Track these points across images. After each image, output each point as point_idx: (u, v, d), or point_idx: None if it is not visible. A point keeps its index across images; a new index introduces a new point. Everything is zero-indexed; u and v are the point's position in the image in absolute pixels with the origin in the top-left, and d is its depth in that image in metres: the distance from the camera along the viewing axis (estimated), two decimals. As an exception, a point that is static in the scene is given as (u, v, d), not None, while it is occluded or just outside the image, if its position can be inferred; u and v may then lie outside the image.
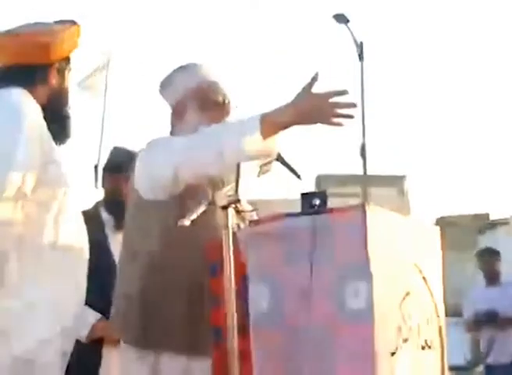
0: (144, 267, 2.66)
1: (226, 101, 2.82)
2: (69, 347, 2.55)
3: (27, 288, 2.43)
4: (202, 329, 2.58)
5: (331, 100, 2.43)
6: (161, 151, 2.60)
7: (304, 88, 2.45)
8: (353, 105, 2.46)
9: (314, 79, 2.45)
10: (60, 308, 2.48)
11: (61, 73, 2.63)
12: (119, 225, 3.45)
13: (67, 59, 2.66)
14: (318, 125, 2.47)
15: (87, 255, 2.60)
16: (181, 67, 2.87)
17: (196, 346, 2.60)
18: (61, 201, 2.52)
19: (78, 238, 2.59)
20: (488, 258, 7.05)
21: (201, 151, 2.49)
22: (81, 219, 2.65)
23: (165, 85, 2.88)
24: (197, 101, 2.79)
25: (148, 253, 2.66)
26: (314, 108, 2.44)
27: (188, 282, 2.62)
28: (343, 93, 2.44)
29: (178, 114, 2.83)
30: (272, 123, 2.44)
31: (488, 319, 6.67)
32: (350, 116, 2.46)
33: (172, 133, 2.85)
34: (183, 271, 2.62)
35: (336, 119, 2.46)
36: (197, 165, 2.51)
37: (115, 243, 3.39)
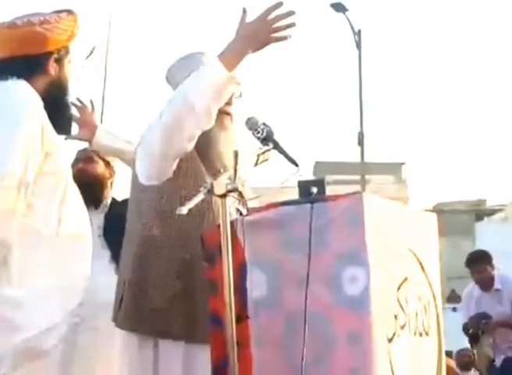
0: (140, 253, 2.66)
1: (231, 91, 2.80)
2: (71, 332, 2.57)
3: (30, 277, 2.44)
4: (199, 316, 2.58)
5: (269, 17, 2.52)
6: (150, 129, 2.62)
7: (239, 22, 2.55)
8: (292, 13, 2.53)
9: (244, 12, 2.55)
10: (64, 296, 2.50)
11: (59, 63, 2.63)
12: None
13: (65, 49, 2.66)
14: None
15: (90, 243, 2.61)
16: (187, 55, 2.87)
17: (193, 333, 2.60)
18: (63, 191, 2.53)
19: (81, 227, 2.60)
20: (474, 268, 6.50)
21: (174, 111, 2.54)
22: (84, 207, 2.66)
23: (171, 73, 2.87)
24: None
25: (144, 239, 2.67)
26: (255, 30, 2.54)
27: (184, 269, 2.62)
28: (277, 6, 2.53)
29: None
30: (226, 62, 2.52)
31: (479, 326, 6.33)
32: (291, 25, 2.53)
33: None
34: (179, 257, 2.62)
35: (280, 34, 2.54)
36: (176, 125, 2.53)
37: None
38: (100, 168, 3.85)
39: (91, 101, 3.28)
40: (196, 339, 2.59)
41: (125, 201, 3.70)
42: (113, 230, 3.54)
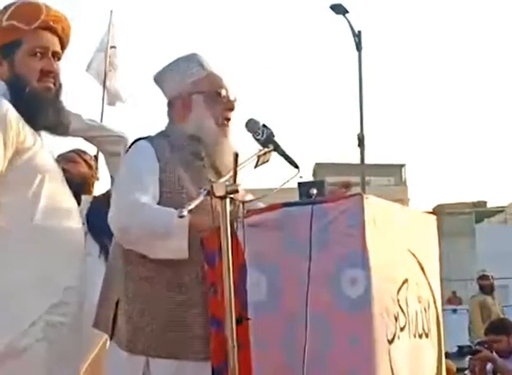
0: (131, 268, 2.62)
1: (231, 97, 2.79)
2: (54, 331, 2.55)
3: (1, 278, 2.43)
4: (192, 333, 2.55)
5: None
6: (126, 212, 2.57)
7: None
8: None
9: None
10: (39, 294, 2.47)
11: (10, 57, 2.62)
12: None
13: (16, 42, 2.62)
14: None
15: (76, 237, 2.59)
16: (186, 56, 2.82)
17: (185, 351, 2.57)
18: (39, 186, 2.51)
19: (62, 222, 2.56)
20: (491, 337, 6.13)
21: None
22: (70, 203, 2.64)
23: (166, 74, 2.82)
24: (204, 95, 2.75)
25: (133, 257, 2.60)
26: None
27: (175, 284, 2.59)
28: None
29: (182, 106, 2.76)
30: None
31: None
32: None
33: (171, 125, 2.79)
34: (168, 272, 2.58)
35: None
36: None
37: None
38: (82, 168, 3.92)
39: None
40: (188, 356, 2.56)
41: (104, 194, 3.75)
42: (97, 224, 3.59)
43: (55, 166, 2.68)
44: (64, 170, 3.59)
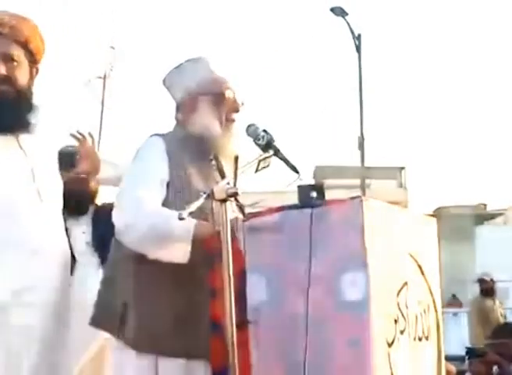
0: (141, 270, 2.62)
1: (237, 99, 2.81)
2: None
3: None
4: (199, 332, 2.56)
5: None
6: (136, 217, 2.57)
7: None
8: None
9: None
10: None
11: None
12: None
13: None
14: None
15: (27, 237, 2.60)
16: (193, 59, 2.85)
17: (194, 349, 2.58)
18: None
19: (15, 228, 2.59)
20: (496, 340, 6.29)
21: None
22: (27, 206, 2.64)
23: (174, 77, 2.84)
24: (211, 96, 2.78)
25: (141, 259, 2.59)
26: None
27: (182, 284, 2.59)
28: None
29: (188, 108, 2.79)
30: None
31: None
32: None
33: (178, 127, 2.81)
34: (178, 274, 2.58)
35: None
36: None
37: None
38: (93, 179, 3.92)
39: (90, 134, 3.10)
40: (197, 355, 2.58)
41: (107, 205, 3.76)
42: (100, 235, 3.60)
43: (14, 169, 2.66)
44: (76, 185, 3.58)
